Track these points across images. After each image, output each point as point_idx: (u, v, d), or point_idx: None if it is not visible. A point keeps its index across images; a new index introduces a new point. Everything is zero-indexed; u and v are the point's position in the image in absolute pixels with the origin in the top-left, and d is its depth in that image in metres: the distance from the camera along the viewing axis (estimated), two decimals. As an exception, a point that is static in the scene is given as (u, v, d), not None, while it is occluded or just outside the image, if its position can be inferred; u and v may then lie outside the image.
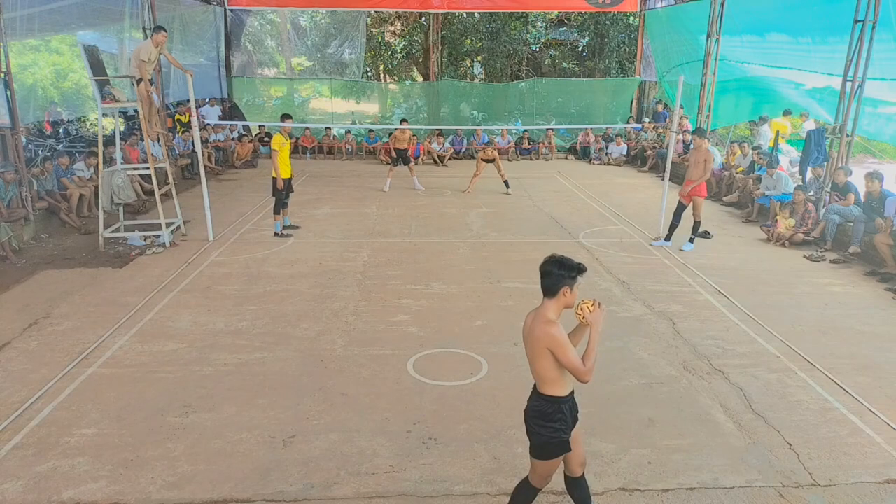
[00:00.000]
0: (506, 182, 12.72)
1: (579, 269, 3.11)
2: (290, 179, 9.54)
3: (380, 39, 21.39)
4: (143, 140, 10.02)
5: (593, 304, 3.15)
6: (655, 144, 16.34)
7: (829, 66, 10.59)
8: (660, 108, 17.52)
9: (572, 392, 3.25)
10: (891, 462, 4.24)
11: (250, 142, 16.21)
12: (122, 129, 11.58)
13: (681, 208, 8.99)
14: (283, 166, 9.29)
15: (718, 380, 5.30)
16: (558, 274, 3.07)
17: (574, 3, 18.07)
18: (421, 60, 21.09)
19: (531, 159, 17.47)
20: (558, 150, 17.97)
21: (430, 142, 16.85)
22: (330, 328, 6.24)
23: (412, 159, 13.66)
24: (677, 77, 10.15)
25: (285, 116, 9.61)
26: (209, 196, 9.30)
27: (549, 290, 3.10)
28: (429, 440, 4.42)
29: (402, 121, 13.74)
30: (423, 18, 19.56)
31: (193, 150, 12.50)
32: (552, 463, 3.30)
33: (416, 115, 19.00)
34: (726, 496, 3.89)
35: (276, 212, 9.50)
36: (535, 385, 3.27)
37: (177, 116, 15.27)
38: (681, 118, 14.18)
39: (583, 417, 4.65)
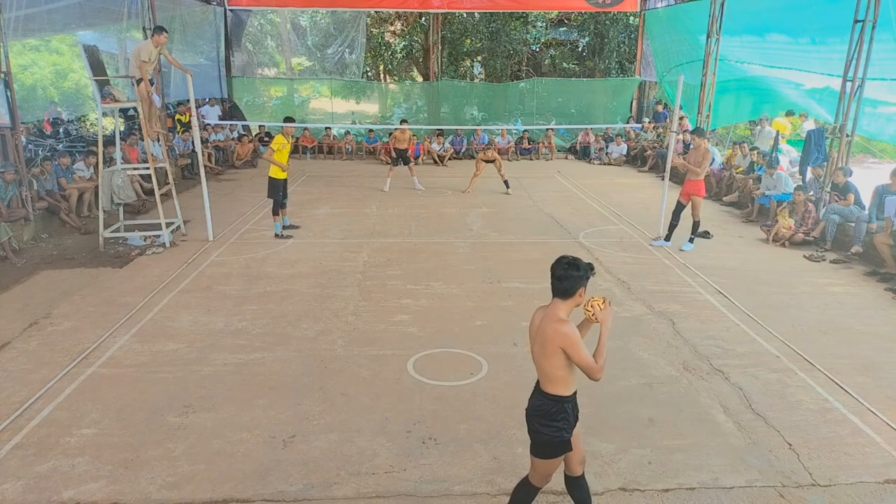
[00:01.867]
0: (506, 182, 12.72)
1: (591, 269, 3.14)
2: (285, 181, 9.53)
3: (380, 39, 21.39)
4: (143, 140, 10.02)
5: (603, 302, 3.15)
6: (655, 144, 16.34)
7: (829, 67, 10.59)
8: (660, 108, 17.52)
9: (576, 392, 3.25)
10: (891, 462, 4.24)
11: (250, 142, 16.20)
12: (122, 129, 11.58)
13: (680, 208, 8.99)
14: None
15: (718, 380, 5.30)
16: (576, 276, 3.07)
17: (574, 3, 18.08)
18: (421, 60, 21.10)
19: (531, 159, 17.47)
20: (558, 150, 17.97)
21: (430, 142, 16.85)
22: (330, 328, 6.24)
23: (412, 159, 13.67)
24: (677, 77, 10.16)
25: (288, 119, 9.63)
26: (209, 196, 9.30)
27: (567, 292, 3.09)
28: (429, 440, 4.42)
29: (402, 121, 13.75)
30: (423, 18, 19.57)
31: (193, 150, 12.50)
32: (553, 462, 3.30)
33: (416, 115, 19.00)
34: (726, 496, 3.89)
35: (275, 213, 9.50)
36: (537, 383, 3.27)
37: (177, 116, 15.27)
38: (681, 118, 14.19)
39: (583, 417, 4.65)
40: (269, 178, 9.36)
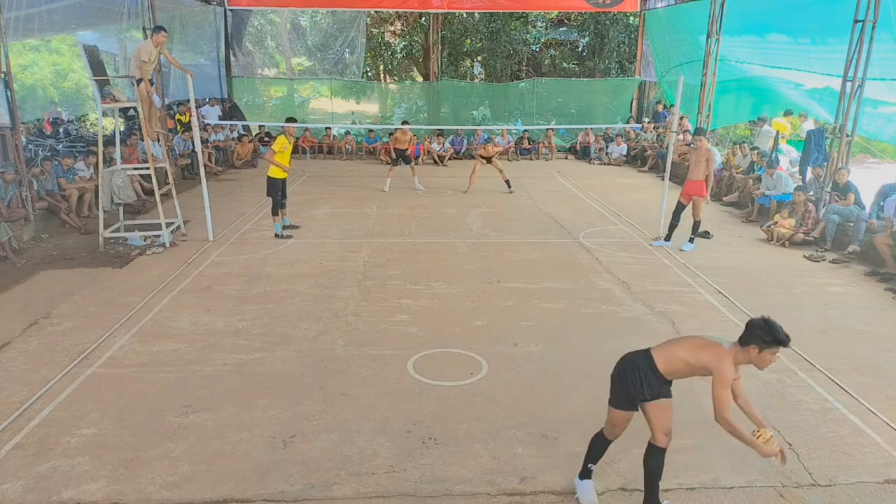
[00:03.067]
0: (507, 182, 12.73)
1: (777, 340, 3.23)
2: (284, 181, 9.55)
3: (380, 39, 21.39)
4: (143, 140, 10.01)
5: (769, 441, 3.33)
6: (655, 144, 16.34)
7: (829, 67, 10.59)
8: (660, 108, 17.52)
9: (672, 383, 3.57)
10: (891, 462, 4.24)
11: (250, 142, 16.20)
12: (122, 129, 11.57)
13: (680, 208, 8.99)
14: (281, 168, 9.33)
15: (718, 380, 5.29)
16: (756, 334, 3.26)
17: (574, 3, 18.07)
18: (421, 60, 21.10)
19: (531, 159, 17.47)
20: (558, 150, 17.96)
21: (429, 142, 16.85)
22: (330, 328, 6.24)
23: (413, 159, 13.68)
24: (676, 77, 10.16)
25: (291, 119, 9.66)
26: (209, 196, 9.30)
27: (742, 339, 3.32)
28: (429, 440, 4.42)
29: (403, 122, 13.76)
30: (423, 18, 19.57)
31: (193, 150, 12.50)
32: (622, 415, 3.60)
33: (416, 115, 19.00)
34: (726, 496, 3.89)
35: (275, 213, 9.50)
36: (648, 350, 3.60)
37: (177, 116, 15.27)
38: (681, 118, 14.19)
39: (582, 419, 4.68)
40: (268, 177, 9.37)
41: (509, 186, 12.72)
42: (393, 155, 13.26)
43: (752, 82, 13.65)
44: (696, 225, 9.01)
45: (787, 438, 4.46)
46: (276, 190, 9.36)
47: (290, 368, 5.43)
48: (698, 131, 9.36)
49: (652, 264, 8.39)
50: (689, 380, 5.24)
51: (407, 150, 13.14)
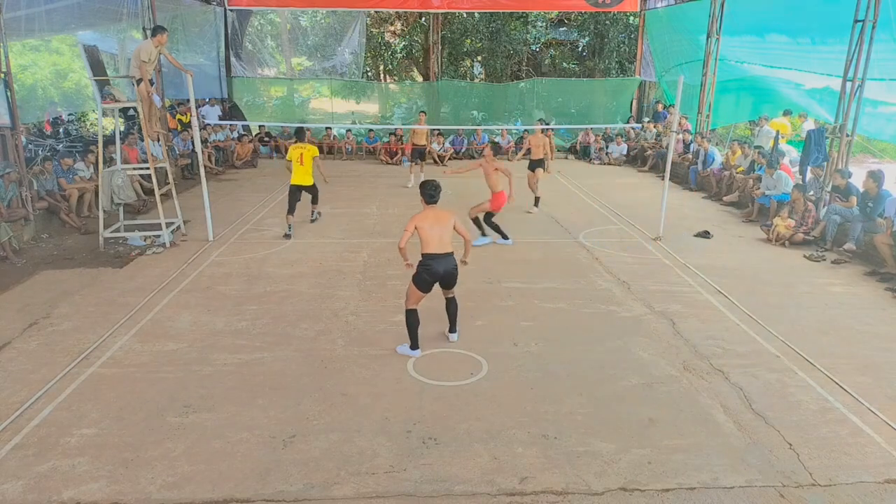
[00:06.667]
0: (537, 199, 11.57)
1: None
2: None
3: (380, 39, 21.40)
4: (142, 140, 10.00)
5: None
6: (655, 144, 16.33)
7: (829, 67, 10.60)
8: (660, 107, 17.52)
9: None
10: (891, 462, 4.24)
11: (250, 142, 16.20)
12: (121, 129, 11.56)
13: (488, 217, 9.06)
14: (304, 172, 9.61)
15: (718, 380, 5.30)
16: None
17: (574, 3, 18.07)
18: (421, 60, 21.11)
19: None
20: (558, 150, 17.93)
21: (430, 142, 16.84)
22: (330, 328, 6.24)
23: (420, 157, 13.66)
24: (676, 77, 10.16)
25: (300, 131, 10.18)
26: (209, 196, 9.30)
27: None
28: (429, 440, 4.42)
29: (421, 112, 14.03)
30: (423, 18, 19.58)
31: (193, 150, 12.50)
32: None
33: (416, 116, 18.98)
34: (726, 496, 3.89)
35: (315, 201, 10.17)
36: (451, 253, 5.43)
37: (178, 116, 15.26)
38: (681, 118, 14.19)
39: (582, 417, 4.68)
40: (314, 185, 9.78)
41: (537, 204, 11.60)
42: (408, 154, 13.37)
43: (752, 82, 13.66)
44: (494, 228, 9.08)
45: (787, 438, 4.47)
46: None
47: (290, 368, 5.43)
48: (491, 144, 9.45)
49: (652, 264, 8.39)
50: (688, 380, 5.27)
51: (425, 146, 13.21)
